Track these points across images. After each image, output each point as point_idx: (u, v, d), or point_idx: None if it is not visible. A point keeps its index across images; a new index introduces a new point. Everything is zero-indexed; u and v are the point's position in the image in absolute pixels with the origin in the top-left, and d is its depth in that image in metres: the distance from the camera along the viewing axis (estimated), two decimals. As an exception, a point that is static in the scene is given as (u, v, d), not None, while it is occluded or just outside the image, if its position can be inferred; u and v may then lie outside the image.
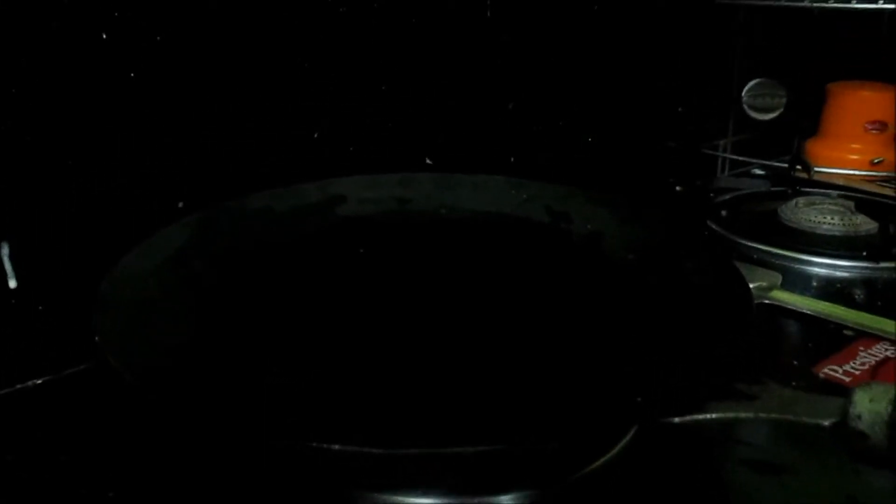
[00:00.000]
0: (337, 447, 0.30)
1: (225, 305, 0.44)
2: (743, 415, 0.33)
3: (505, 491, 0.35)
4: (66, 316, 0.47)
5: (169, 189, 0.54)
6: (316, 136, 0.62)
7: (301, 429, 0.31)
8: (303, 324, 0.44)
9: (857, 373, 0.46)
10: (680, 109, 0.90)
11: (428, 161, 0.68)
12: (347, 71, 0.63)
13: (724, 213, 0.71)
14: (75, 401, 0.45)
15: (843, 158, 0.87)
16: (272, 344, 0.42)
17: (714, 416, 0.33)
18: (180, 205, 0.54)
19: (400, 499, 0.35)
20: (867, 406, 0.30)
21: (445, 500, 0.35)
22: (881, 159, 0.87)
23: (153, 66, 0.52)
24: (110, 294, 0.40)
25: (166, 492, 0.36)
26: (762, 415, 0.32)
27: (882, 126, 0.87)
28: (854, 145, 0.88)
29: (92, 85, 0.49)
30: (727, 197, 0.76)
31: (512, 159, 0.73)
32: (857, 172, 0.84)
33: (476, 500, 0.35)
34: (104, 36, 0.49)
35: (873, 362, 0.48)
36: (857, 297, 0.57)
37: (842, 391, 0.40)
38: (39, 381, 0.46)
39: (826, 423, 0.31)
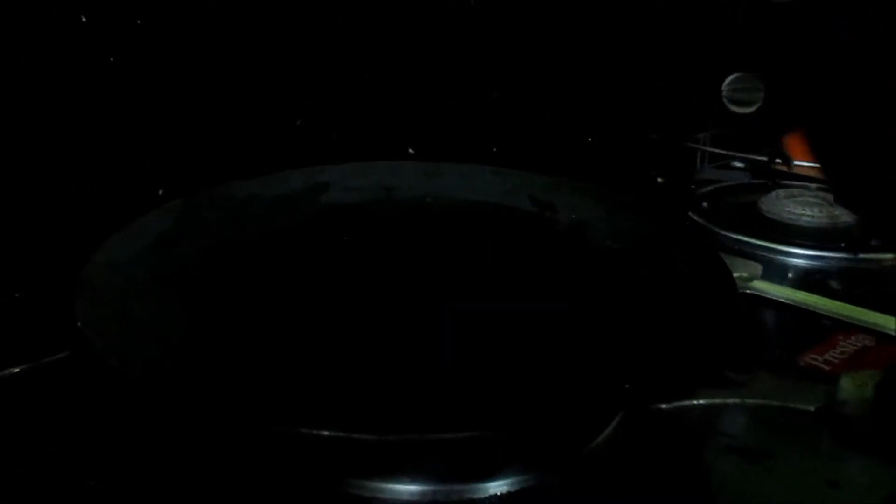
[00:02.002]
0: (327, 433, 0.30)
1: (209, 292, 0.44)
2: (730, 401, 0.33)
3: (493, 477, 0.35)
4: (44, 303, 0.46)
5: (150, 177, 0.53)
6: (299, 123, 0.62)
7: (290, 415, 0.31)
8: (288, 311, 0.44)
9: (837, 362, 0.47)
10: (662, 102, 0.90)
11: (410, 150, 0.68)
12: (331, 59, 0.63)
13: (705, 204, 0.71)
14: (54, 389, 0.44)
15: (821, 152, 0.87)
16: (258, 331, 0.42)
17: (701, 402, 0.33)
18: (161, 192, 0.53)
19: (390, 486, 0.35)
20: (852, 392, 0.30)
21: (434, 487, 0.35)
22: (858, 154, 0.88)
23: (134, 52, 0.51)
24: (92, 280, 0.39)
25: (148, 480, 0.36)
26: (749, 400, 0.33)
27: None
28: (832, 140, 0.89)
29: (71, 70, 0.48)
30: (708, 189, 0.77)
31: (494, 150, 0.73)
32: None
33: (464, 487, 0.35)
34: (83, 19, 0.49)
35: (852, 351, 0.48)
36: (835, 287, 0.57)
37: (823, 379, 0.41)
38: (17, 370, 0.45)
39: (812, 408, 0.32)
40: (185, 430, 0.36)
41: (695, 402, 0.33)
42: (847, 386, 0.30)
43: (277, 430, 0.30)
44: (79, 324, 0.35)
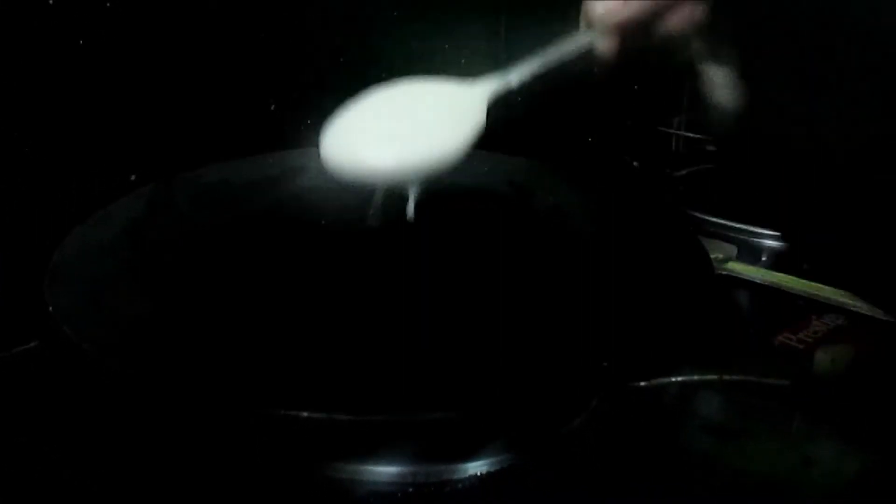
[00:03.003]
0: (306, 414, 0.29)
1: (182, 277, 0.43)
2: (708, 377, 0.33)
3: (472, 458, 0.35)
4: (14, 292, 0.45)
5: (121, 162, 0.52)
6: (273, 108, 0.61)
7: (268, 397, 0.31)
8: (262, 295, 0.44)
9: (811, 341, 0.47)
10: (635, 87, 0.90)
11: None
12: (304, 41, 0.62)
13: (681, 187, 0.72)
14: (25, 378, 0.43)
15: (792, 137, 0.88)
16: (232, 315, 0.41)
17: (679, 379, 0.34)
18: (133, 178, 0.52)
19: (368, 468, 0.35)
20: (827, 366, 0.31)
21: (413, 468, 0.35)
22: (828, 138, 0.89)
23: (104, 34, 0.50)
24: (63, 265, 0.39)
25: (123, 469, 0.35)
26: (726, 377, 0.33)
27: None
28: (802, 123, 0.90)
29: (39, 54, 0.47)
30: (683, 172, 0.77)
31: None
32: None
33: (443, 468, 0.35)
34: (50, 1, 0.48)
35: (826, 330, 0.49)
36: (809, 268, 0.58)
37: (799, 357, 0.42)
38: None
39: (787, 383, 0.32)
40: (161, 415, 0.36)
41: (673, 379, 0.33)
42: (822, 360, 0.31)
43: (256, 412, 0.30)
44: (50, 309, 0.34)
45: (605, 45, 0.40)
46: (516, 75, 0.46)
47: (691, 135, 0.90)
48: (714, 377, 0.33)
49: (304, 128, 0.63)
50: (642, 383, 0.33)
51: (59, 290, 0.36)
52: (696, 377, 0.33)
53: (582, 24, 0.42)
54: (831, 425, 0.35)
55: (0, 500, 0.34)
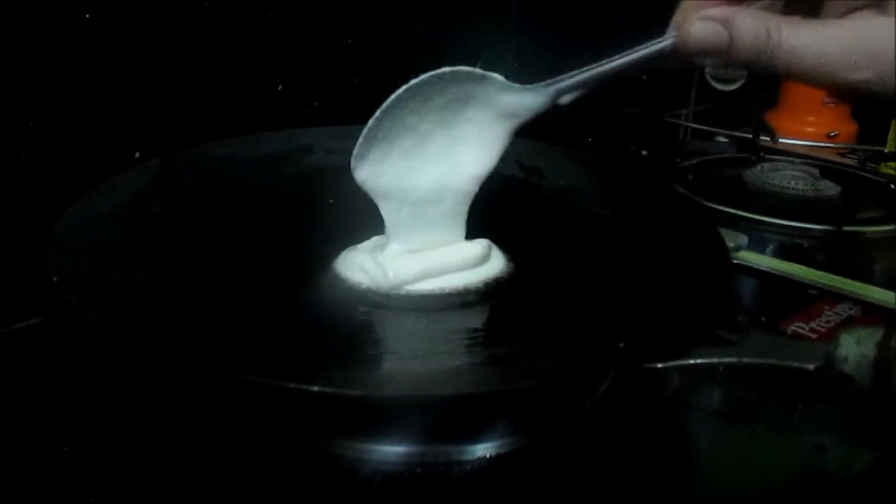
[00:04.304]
0: (316, 389, 0.29)
1: (183, 250, 0.43)
2: (726, 360, 0.32)
3: (482, 439, 0.34)
4: (15, 268, 0.44)
5: (126, 139, 0.51)
6: (280, 88, 0.60)
7: (278, 371, 0.30)
8: (266, 269, 0.43)
9: (823, 330, 0.47)
10: (644, 78, 0.90)
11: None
12: (312, 22, 0.61)
13: (690, 176, 0.71)
14: (26, 355, 0.42)
15: (800, 131, 0.88)
16: (234, 288, 0.40)
17: (697, 361, 0.33)
18: (137, 155, 0.51)
19: (376, 447, 0.34)
20: (853, 349, 0.30)
21: (422, 448, 0.34)
22: (837, 132, 0.88)
23: (113, 9, 0.49)
24: (67, 234, 0.38)
25: (124, 444, 0.35)
26: (745, 360, 0.32)
27: (838, 99, 0.89)
28: (811, 118, 0.89)
29: (45, 28, 0.46)
30: (693, 161, 0.76)
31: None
32: (816, 143, 0.86)
33: (453, 448, 0.34)
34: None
35: (838, 320, 0.48)
36: (820, 258, 0.57)
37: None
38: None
39: (811, 366, 0.31)
40: (165, 388, 0.35)
41: (690, 361, 0.33)
42: (847, 342, 0.30)
43: (265, 384, 0.29)
44: (54, 278, 0.34)
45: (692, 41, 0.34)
46: (575, 83, 0.40)
47: (700, 126, 0.90)
48: (733, 360, 0.32)
49: (311, 108, 0.63)
50: (659, 365, 0.32)
51: (63, 258, 0.35)
52: (714, 360, 0.33)
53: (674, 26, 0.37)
54: (862, 404, 0.34)
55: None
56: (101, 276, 0.35)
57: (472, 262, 0.42)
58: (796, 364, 0.31)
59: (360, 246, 0.43)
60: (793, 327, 0.47)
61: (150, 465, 0.33)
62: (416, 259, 0.41)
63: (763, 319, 0.48)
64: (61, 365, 0.40)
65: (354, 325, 0.38)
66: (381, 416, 0.33)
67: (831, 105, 0.89)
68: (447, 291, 0.41)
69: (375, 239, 0.44)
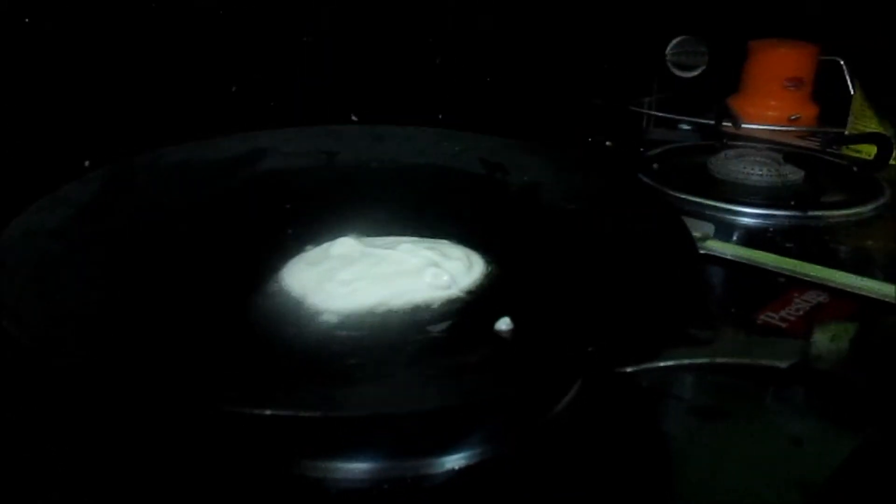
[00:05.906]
0: (269, 412, 0.27)
1: (136, 265, 0.41)
2: (698, 360, 0.32)
3: (449, 452, 0.33)
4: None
5: (74, 146, 0.49)
6: (234, 89, 0.59)
7: (232, 395, 0.28)
8: (223, 284, 0.41)
9: (794, 318, 0.46)
10: (605, 67, 0.89)
11: (354, 118, 0.65)
12: (267, 20, 0.60)
13: (655, 166, 0.70)
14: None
15: (762, 115, 0.88)
16: (189, 305, 0.39)
17: (668, 363, 0.32)
18: (87, 163, 0.49)
19: (341, 465, 0.32)
20: (827, 345, 0.29)
21: (388, 464, 0.33)
22: (798, 115, 0.88)
23: (57, 11, 0.47)
24: (7, 252, 0.36)
25: (82, 470, 0.33)
26: (718, 359, 0.31)
27: (799, 83, 0.89)
28: (772, 102, 0.89)
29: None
30: (657, 151, 0.76)
31: (440, 117, 0.71)
32: (778, 128, 0.86)
33: (419, 462, 0.33)
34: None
35: (808, 308, 0.48)
36: (787, 245, 0.57)
37: (781, 336, 0.40)
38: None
39: (784, 364, 0.30)
40: (119, 416, 0.33)
41: (661, 363, 0.32)
42: (822, 339, 0.29)
43: (220, 410, 0.28)
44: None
45: None
46: None
47: (663, 114, 0.90)
48: (705, 360, 0.31)
49: (268, 111, 0.61)
50: (629, 369, 0.31)
51: (2, 279, 0.33)
52: (685, 361, 0.32)
53: None
54: (829, 402, 0.33)
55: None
56: (44, 300, 0.33)
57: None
58: (769, 362, 0.30)
59: (307, 255, 0.42)
60: (763, 317, 0.46)
61: (105, 492, 0.32)
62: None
63: (733, 310, 0.47)
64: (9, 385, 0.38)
65: (311, 343, 0.37)
66: (342, 436, 0.32)
67: (792, 88, 0.89)
68: (405, 300, 0.39)
69: (326, 245, 0.43)
